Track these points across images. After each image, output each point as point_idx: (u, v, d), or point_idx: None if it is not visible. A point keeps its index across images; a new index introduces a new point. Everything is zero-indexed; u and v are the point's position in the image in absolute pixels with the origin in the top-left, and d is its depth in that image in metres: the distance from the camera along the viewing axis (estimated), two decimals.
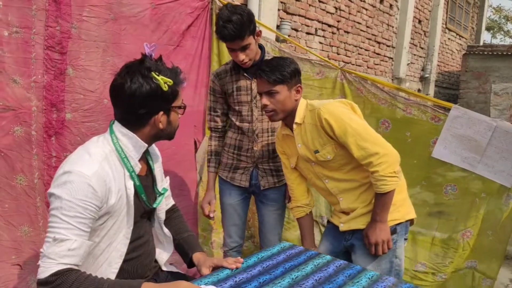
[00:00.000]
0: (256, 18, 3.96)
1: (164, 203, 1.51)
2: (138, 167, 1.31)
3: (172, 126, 1.36)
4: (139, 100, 1.23)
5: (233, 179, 2.06)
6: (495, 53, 9.69)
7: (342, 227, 1.71)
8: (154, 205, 1.41)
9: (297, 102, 1.68)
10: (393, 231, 1.63)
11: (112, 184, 1.22)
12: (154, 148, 1.50)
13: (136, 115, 1.26)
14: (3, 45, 1.79)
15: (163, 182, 1.51)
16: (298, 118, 1.66)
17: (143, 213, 1.39)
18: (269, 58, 1.92)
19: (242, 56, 1.82)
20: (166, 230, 1.51)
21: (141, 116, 1.27)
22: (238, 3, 3.78)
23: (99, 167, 1.19)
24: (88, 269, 1.23)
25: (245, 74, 1.95)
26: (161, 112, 1.28)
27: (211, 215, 2.07)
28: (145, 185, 1.37)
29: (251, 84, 1.94)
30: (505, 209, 2.10)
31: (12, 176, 1.88)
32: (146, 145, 1.31)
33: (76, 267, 1.13)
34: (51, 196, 1.16)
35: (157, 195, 1.45)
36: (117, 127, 1.29)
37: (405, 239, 1.72)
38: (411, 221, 1.73)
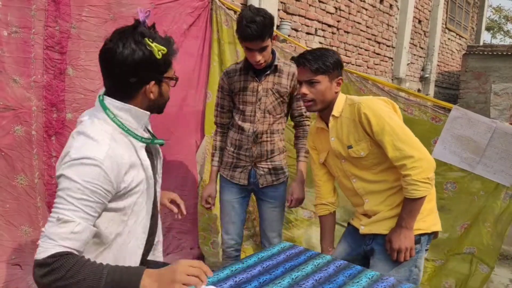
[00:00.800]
0: None
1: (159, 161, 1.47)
2: (145, 136, 1.26)
3: (164, 98, 1.29)
4: (131, 67, 1.15)
5: (233, 177, 2.10)
6: (495, 53, 9.69)
7: (363, 230, 1.68)
8: (156, 141, 1.34)
9: (337, 95, 1.63)
10: (417, 241, 1.58)
11: (126, 163, 1.17)
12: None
13: (126, 84, 1.19)
14: (3, 45, 1.79)
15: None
16: (335, 111, 1.62)
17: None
18: (279, 63, 2.00)
19: (259, 57, 1.86)
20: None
21: (132, 85, 1.19)
22: (238, 3, 3.78)
23: (109, 148, 1.13)
24: (118, 249, 1.22)
25: (253, 75, 1.98)
26: (153, 82, 1.21)
27: (210, 206, 2.14)
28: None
29: (257, 86, 1.99)
30: (503, 205, 2.12)
31: (13, 176, 1.88)
32: (148, 112, 1.25)
33: (76, 252, 1.07)
34: (59, 177, 1.10)
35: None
36: (110, 102, 1.20)
37: (426, 250, 1.67)
38: (435, 234, 1.67)
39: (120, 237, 1.23)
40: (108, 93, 1.22)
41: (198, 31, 2.57)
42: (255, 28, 1.76)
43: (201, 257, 2.73)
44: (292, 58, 1.66)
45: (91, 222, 1.11)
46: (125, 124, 1.20)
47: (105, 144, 1.13)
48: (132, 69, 1.15)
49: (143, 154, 1.25)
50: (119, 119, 1.19)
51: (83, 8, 2.01)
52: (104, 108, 1.19)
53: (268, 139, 2.04)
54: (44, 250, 1.03)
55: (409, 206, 1.53)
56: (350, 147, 1.60)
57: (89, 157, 1.09)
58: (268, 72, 1.98)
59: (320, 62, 1.55)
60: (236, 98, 2.05)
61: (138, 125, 1.24)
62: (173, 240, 2.64)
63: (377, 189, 1.63)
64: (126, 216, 1.22)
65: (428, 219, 1.62)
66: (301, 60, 1.58)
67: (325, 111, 1.65)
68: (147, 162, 1.25)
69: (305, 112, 2.09)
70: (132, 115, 1.22)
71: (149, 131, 1.39)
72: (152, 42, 1.16)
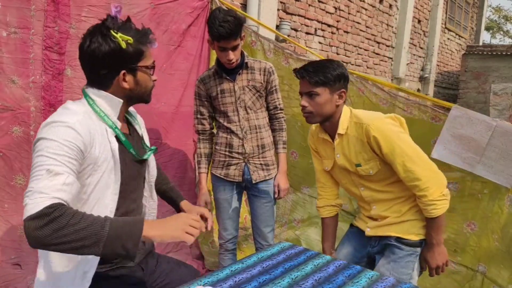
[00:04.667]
0: (255, 17, 3.97)
1: (154, 160, 1.49)
2: (119, 124, 1.29)
3: (142, 86, 1.32)
4: (99, 59, 1.21)
5: (227, 175, 2.15)
6: (494, 53, 9.70)
7: (369, 232, 1.68)
8: (144, 157, 1.39)
9: (339, 108, 1.61)
10: (419, 244, 1.60)
11: (96, 136, 1.20)
12: (137, 114, 1.50)
13: (100, 75, 1.25)
14: (2, 46, 1.79)
15: (145, 137, 1.50)
16: (341, 129, 1.60)
17: (135, 172, 1.37)
18: (249, 60, 2.08)
19: (232, 56, 1.94)
20: (154, 193, 1.51)
21: (104, 76, 1.25)
22: (238, 3, 3.78)
23: (83, 117, 1.18)
24: None
25: (227, 77, 2.05)
26: (123, 72, 1.25)
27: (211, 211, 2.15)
28: (132, 142, 1.36)
29: (233, 86, 2.06)
30: (506, 211, 2.10)
31: (11, 176, 1.88)
32: (121, 100, 1.29)
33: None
34: (36, 143, 1.11)
35: (147, 150, 1.44)
36: (89, 90, 1.28)
37: None
38: None
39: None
40: (89, 83, 1.30)
41: (197, 31, 2.56)
42: (228, 27, 1.84)
43: (200, 256, 2.72)
44: (294, 70, 1.65)
45: (76, 178, 1.09)
46: (102, 109, 1.26)
47: (79, 114, 1.18)
48: (100, 61, 1.22)
49: (113, 139, 1.26)
50: (96, 104, 1.26)
51: (82, 9, 2.00)
52: (85, 95, 1.27)
53: (257, 134, 2.11)
54: (36, 204, 0.97)
55: (433, 224, 1.55)
56: (358, 165, 1.60)
57: (62, 120, 1.13)
58: (240, 71, 2.05)
59: (321, 74, 1.54)
60: (215, 102, 2.10)
61: (113, 112, 1.28)
62: None
63: (386, 198, 1.64)
64: (85, 195, 1.19)
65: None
66: (301, 72, 1.57)
67: (326, 123, 1.63)
68: (115, 144, 1.26)
69: (279, 104, 2.16)
70: (107, 102, 1.27)
71: (144, 144, 1.44)
72: (117, 33, 1.21)
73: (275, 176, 2.18)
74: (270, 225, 2.20)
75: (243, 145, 2.09)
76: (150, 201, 1.50)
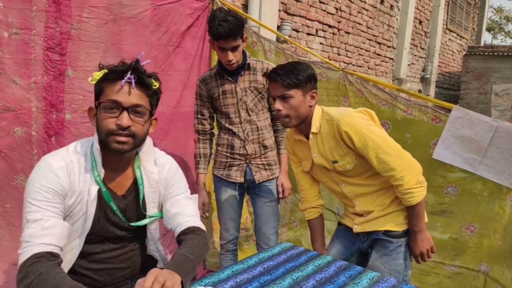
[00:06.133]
0: (256, 18, 3.97)
1: (155, 224, 1.37)
2: (101, 173, 1.21)
3: (99, 127, 1.19)
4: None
5: (229, 176, 2.14)
6: (495, 53, 9.68)
7: (356, 229, 1.70)
8: (134, 223, 1.29)
9: (312, 109, 1.62)
10: (405, 234, 1.62)
11: (76, 183, 1.18)
12: (153, 167, 1.33)
13: None
14: (3, 46, 1.79)
15: (156, 205, 1.36)
16: (314, 127, 1.61)
17: (122, 228, 1.29)
18: (251, 61, 2.06)
19: (231, 56, 1.92)
20: (161, 248, 1.42)
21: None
22: (239, 4, 3.79)
23: (68, 164, 1.17)
24: None
25: (229, 78, 2.04)
26: (93, 109, 1.22)
27: (206, 214, 2.18)
28: (120, 205, 1.27)
29: (235, 87, 2.05)
30: (509, 211, 2.09)
31: (13, 176, 1.88)
32: (98, 147, 1.20)
33: (56, 249, 1.09)
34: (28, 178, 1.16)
35: (147, 216, 1.32)
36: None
37: None
38: None
39: None
40: None
41: (197, 31, 2.57)
42: (227, 26, 1.82)
43: (207, 243, 2.73)
44: (264, 74, 1.67)
45: (60, 218, 1.13)
46: (94, 152, 1.21)
47: (69, 159, 1.19)
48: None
49: (94, 189, 1.20)
50: (93, 149, 1.22)
51: (83, 9, 2.00)
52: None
53: (259, 136, 2.10)
54: (23, 254, 1.06)
55: (413, 212, 1.57)
56: (335, 162, 1.62)
57: (49, 162, 1.16)
58: (242, 72, 2.04)
59: (292, 76, 1.55)
60: (217, 103, 2.09)
61: (98, 156, 1.21)
62: (173, 240, 2.64)
63: (367, 191, 1.65)
64: None
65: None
66: (272, 75, 1.58)
67: (301, 124, 1.64)
68: (91, 196, 1.20)
69: None
70: (98, 145, 1.21)
71: (140, 210, 1.31)
72: (98, 71, 1.20)
73: (278, 176, 2.17)
74: (273, 226, 2.17)
75: (244, 146, 2.08)
76: (157, 254, 1.41)
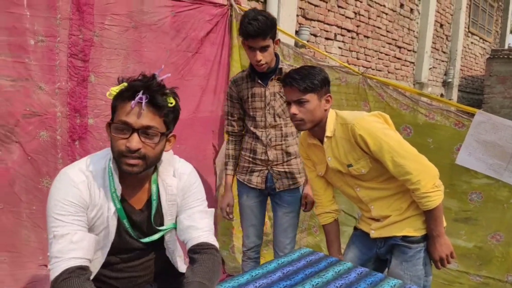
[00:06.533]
0: None
1: (169, 235, 1.36)
2: (119, 189, 1.21)
3: (111, 147, 1.17)
4: None
5: (250, 182, 2.11)
6: None
7: (373, 234, 1.67)
8: (143, 240, 1.29)
9: (326, 113, 1.62)
10: (424, 239, 1.59)
11: (96, 197, 1.18)
12: (172, 179, 1.32)
13: None
14: (30, 54, 1.85)
15: (174, 217, 1.34)
16: (328, 131, 1.61)
17: (129, 245, 1.29)
18: (283, 66, 2.01)
19: (260, 56, 1.88)
20: (178, 258, 1.41)
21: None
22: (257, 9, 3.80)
23: (88, 177, 1.17)
24: None
25: (259, 81, 2.01)
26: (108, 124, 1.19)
27: (231, 216, 2.15)
28: (138, 220, 1.28)
29: (265, 91, 2.02)
30: None
31: (39, 179, 1.93)
32: (107, 166, 1.20)
33: (86, 262, 1.10)
34: (50, 192, 1.15)
35: (156, 231, 1.31)
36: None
37: None
38: None
39: None
40: None
41: (216, 37, 2.59)
42: (256, 25, 1.80)
43: (220, 261, 2.73)
44: (279, 79, 1.66)
45: (86, 231, 1.14)
46: (113, 168, 1.20)
47: (89, 173, 1.18)
48: None
49: (112, 206, 1.21)
50: (111, 162, 1.21)
51: (106, 17, 2.05)
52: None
53: (283, 142, 2.05)
54: (54, 270, 1.07)
55: (431, 216, 1.54)
56: (350, 165, 1.60)
57: (71, 176, 1.15)
58: (273, 76, 2.00)
59: (308, 81, 1.54)
60: (246, 105, 2.08)
61: (115, 173, 1.20)
62: None
63: (382, 195, 1.63)
64: None
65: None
66: (288, 80, 1.57)
67: (315, 128, 1.64)
68: (111, 211, 1.21)
69: None
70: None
71: (152, 226, 1.29)
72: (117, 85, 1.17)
73: (303, 186, 2.11)
74: (289, 236, 2.12)
75: (266, 152, 2.05)
76: (175, 261, 1.42)
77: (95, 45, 2.03)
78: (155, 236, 1.30)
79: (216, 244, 1.29)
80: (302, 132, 1.82)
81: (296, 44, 3.91)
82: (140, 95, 1.10)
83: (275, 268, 1.43)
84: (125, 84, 1.16)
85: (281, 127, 2.04)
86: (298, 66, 2.07)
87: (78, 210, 1.14)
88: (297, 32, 4.35)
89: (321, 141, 1.66)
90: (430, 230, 1.56)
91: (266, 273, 1.39)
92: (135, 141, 1.11)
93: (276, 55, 2.02)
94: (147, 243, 1.30)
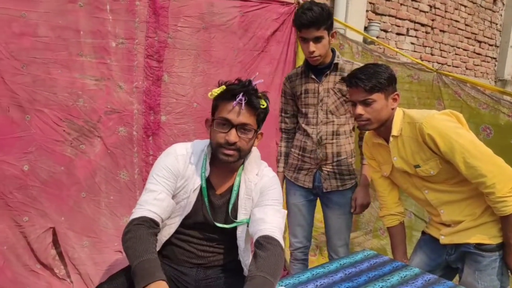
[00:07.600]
0: (342, 20, 3.89)
1: (241, 230, 1.42)
2: (208, 169, 1.39)
3: (211, 138, 1.38)
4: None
5: (297, 180, 2.07)
6: None
7: (443, 240, 1.58)
8: (217, 224, 1.39)
9: (393, 111, 1.56)
10: (499, 248, 1.47)
11: (188, 171, 1.37)
12: (255, 177, 1.44)
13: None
14: (111, 55, 2.01)
15: (248, 212, 1.41)
16: (395, 130, 1.54)
17: (203, 219, 1.40)
18: (339, 62, 1.93)
19: (312, 47, 1.82)
20: (245, 257, 1.46)
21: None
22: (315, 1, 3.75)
23: (189, 153, 1.39)
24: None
25: (313, 77, 1.96)
26: (210, 120, 1.40)
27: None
28: (216, 202, 1.40)
29: (318, 87, 1.96)
30: None
31: (117, 171, 2.10)
32: (204, 150, 1.41)
33: (159, 218, 1.28)
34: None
35: (232, 221, 1.40)
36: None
37: None
38: None
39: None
40: None
41: (282, 35, 2.60)
42: (310, 15, 1.76)
43: (283, 258, 2.74)
44: (343, 79, 1.60)
45: (170, 196, 1.34)
46: (207, 151, 1.41)
47: (190, 150, 1.42)
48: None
49: (199, 181, 1.38)
50: (207, 146, 1.43)
51: (179, 19, 2.16)
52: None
53: (334, 141, 1.97)
54: (134, 213, 1.27)
55: (507, 223, 1.42)
56: (417, 166, 1.52)
57: (175, 149, 1.40)
58: (328, 71, 1.93)
59: (374, 80, 1.48)
60: (298, 101, 2.03)
61: (209, 158, 1.40)
62: None
63: (454, 199, 1.52)
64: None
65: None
66: (353, 80, 1.52)
67: (381, 127, 1.57)
68: (195, 185, 1.38)
69: None
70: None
71: (229, 215, 1.41)
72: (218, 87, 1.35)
73: (355, 188, 2.02)
74: (342, 238, 2.04)
75: (316, 150, 1.98)
76: (241, 259, 1.48)
77: (168, 46, 2.15)
78: (228, 226, 1.40)
79: (282, 242, 1.30)
80: (366, 131, 1.77)
81: (364, 41, 3.79)
82: (240, 96, 1.28)
83: (336, 268, 1.42)
84: (224, 87, 1.33)
85: (333, 124, 1.96)
86: (350, 61, 2.01)
87: (170, 176, 1.35)
88: (366, 28, 4.22)
89: (387, 141, 1.60)
90: (507, 238, 1.43)
91: (328, 272, 1.37)
92: (233, 135, 1.31)
93: (333, 50, 1.95)
94: (221, 229, 1.40)
